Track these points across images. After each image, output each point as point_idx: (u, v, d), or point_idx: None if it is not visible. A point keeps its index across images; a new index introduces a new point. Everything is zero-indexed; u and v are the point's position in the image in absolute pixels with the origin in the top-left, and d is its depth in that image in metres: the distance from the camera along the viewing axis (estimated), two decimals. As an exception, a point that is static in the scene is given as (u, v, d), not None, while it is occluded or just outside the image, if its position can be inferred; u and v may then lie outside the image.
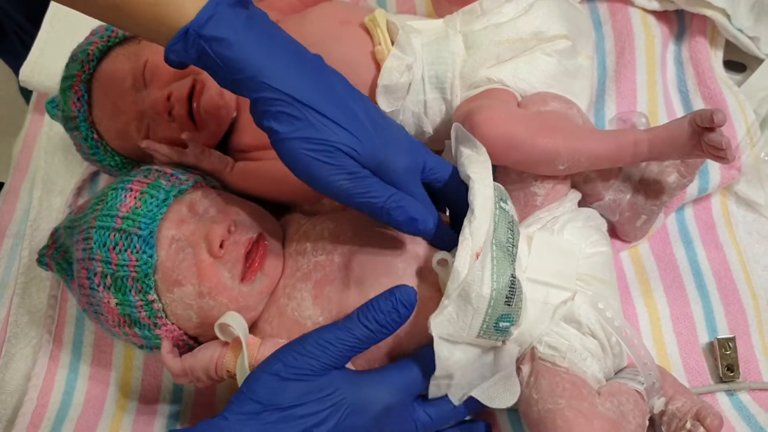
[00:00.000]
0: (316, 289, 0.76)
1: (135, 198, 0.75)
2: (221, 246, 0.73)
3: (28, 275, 0.96)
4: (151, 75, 0.85)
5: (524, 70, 0.85)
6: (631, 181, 0.87)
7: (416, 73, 0.85)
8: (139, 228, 0.73)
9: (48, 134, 1.07)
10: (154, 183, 0.77)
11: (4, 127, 1.82)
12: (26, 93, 1.39)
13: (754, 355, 0.84)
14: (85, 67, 0.87)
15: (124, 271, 0.73)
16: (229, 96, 0.88)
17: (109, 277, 0.74)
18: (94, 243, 0.74)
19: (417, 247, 0.76)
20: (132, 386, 0.89)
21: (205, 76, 0.85)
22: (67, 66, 0.89)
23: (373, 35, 0.86)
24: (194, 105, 0.84)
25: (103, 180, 1.02)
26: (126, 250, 0.73)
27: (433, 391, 0.71)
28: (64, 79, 0.88)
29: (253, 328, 0.79)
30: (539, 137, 0.77)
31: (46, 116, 1.08)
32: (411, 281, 0.74)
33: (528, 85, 0.84)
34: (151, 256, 0.73)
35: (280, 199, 0.88)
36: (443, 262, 0.72)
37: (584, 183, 0.86)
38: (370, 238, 0.77)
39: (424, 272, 0.74)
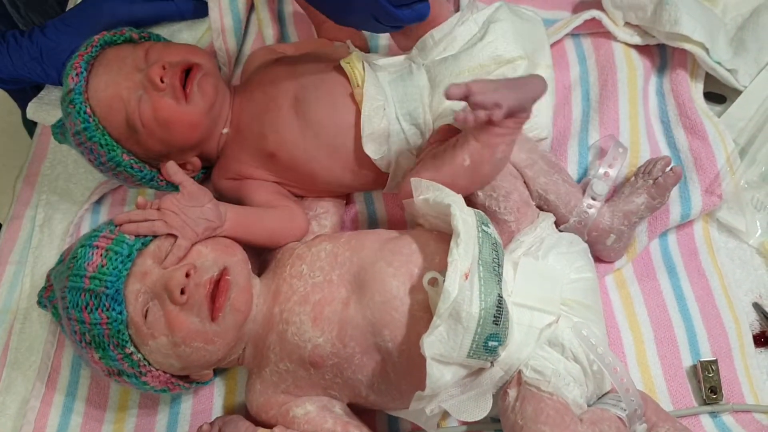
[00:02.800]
0: (315, 311, 0.78)
1: (101, 256, 0.77)
2: (183, 292, 0.75)
3: (29, 301, 0.98)
4: (154, 55, 0.89)
5: None
6: (598, 201, 0.90)
7: (390, 114, 0.88)
8: (106, 287, 0.75)
9: (52, 162, 1.10)
10: (118, 239, 0.78)
11: (7, 159, 1.86)
12: (29, 126, 1.43)
13: (736, 378, 0.86)
14: (88, 49, 0.90)
15: (98, 329, 0.75)
16: (225, 92, 0.92)
17: (86, 335, 0.76)
18: (69, 303, 0.77)
19: (411, 267, 0.78)
20: (129, 410, 0.90)
21: (204, 62, 0.89)
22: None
23: (351, 78, 0.89)
24: (189, 75, 0.86)
25: (105, 210, 1.04)
26: (96, 309, 0.75)
27: (414, 405, 0.73)
28: (68, 62, 0.90)
29: (258, 357, 0.81)
30: None
31: (50, 145, 1.12)
32: (405, 300, 0.76)
33: None
34: (120, 313, 0.75)
35: (269, 247, 0.89)
36: (433, 281, 0.74)
37: (546, 207, 0.88)
38: (366, 257, 0.80)
39: (417, 291, 0.76)
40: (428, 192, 0.79)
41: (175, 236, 0.78)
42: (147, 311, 0.76)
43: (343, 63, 0.90)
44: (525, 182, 0.88)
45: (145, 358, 0.77)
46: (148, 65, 0.87)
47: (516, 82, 0.79)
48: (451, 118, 0.86)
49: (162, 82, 0.85)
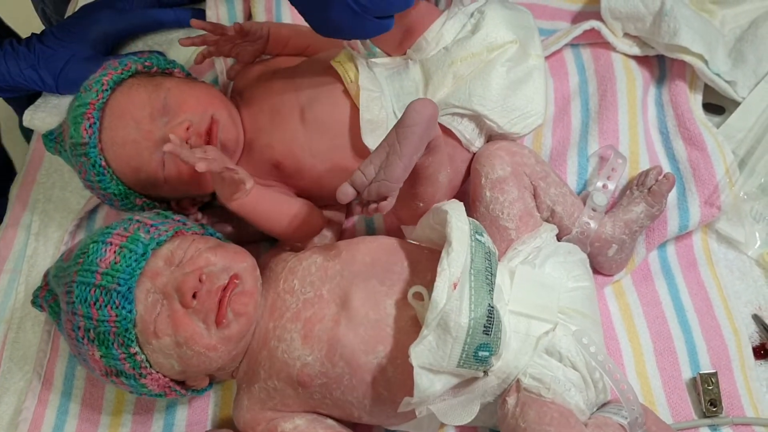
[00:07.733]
0: (306, 328, 0.77)
1: (114, 253, 0.76)
2: (194, 297, 0.74)
3: (23, 310, 0.97)
4: (173, 106, 0.87)
5: (479, 86, 0.88)
6: (598, 212, 0.90)
7: (387, 107, 0.89)
8: (118, 284, 0.74)
9: (47, 170, 1.09)
10: (133, 236, 0.77)
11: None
12: (26, 132, 1.42)
13: (736, 390, 0.86)
14: (99, 95, 0.88)
15: (105, 326, 0.74)
16: (240, 132, 0.92)
17: (91, 331, 0.75)
18: (76, 298, 0.75)
19: (404, 285, 0.77)
20: (122, 423, 0.89)
21: (220, 114, 0.88)
22: (79, 96, 0.89)
23: (342, 75, 0.89)
24: (212, 138, 0.87)
25: (101, 218, 1.04)
26: (106, 306, 0.74)
27: (402, 408, 0.73)
28: (77, 107, 0.88)
29: (249, 373, 0.80)
30: None
31: (46, 153, 1.11)
32: (399, 317, 0.75)
33: (486, 101, 0.87)
34: (130, 312, 0.74)
35: (276, 230, 0.89)
36: (418, 296, 0.74)
37: (551, 219, 0.89)
38: (358, 273, 0.79)
39: (411, 307, 0.75)
40: None
41: (186, 242, 0.79)
42: (156, 311, 0.75)
43: (333, 62, 0.90)
44: (535, 193, 0.88)
45: (147, 360, 0.76)
46: (169, 118, 0.86)
47: (387, 141, 0.75)
48: (443, 115, 0.88)
49: (187, 143, 0.85)
